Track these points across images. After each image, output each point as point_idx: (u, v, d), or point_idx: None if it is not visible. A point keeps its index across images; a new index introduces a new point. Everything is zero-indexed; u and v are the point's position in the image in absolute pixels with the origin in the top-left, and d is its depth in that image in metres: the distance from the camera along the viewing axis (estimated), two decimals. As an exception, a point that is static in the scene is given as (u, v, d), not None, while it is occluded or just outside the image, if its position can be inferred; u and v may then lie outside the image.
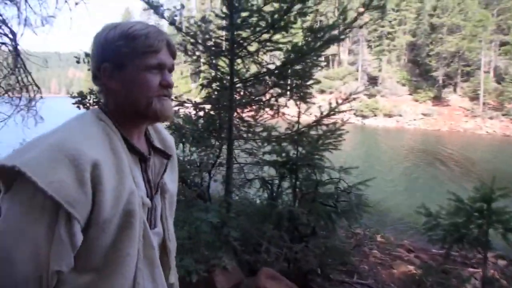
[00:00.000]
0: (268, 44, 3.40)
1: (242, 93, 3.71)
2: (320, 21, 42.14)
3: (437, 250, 5.92)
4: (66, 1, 6.06)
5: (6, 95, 6.33)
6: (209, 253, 2.75)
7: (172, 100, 3.42)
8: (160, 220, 0.99)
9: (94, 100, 3.95)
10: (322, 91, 43.27)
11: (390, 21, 48.17)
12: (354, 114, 41.92)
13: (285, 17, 3.05)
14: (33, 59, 6.42)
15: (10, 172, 0.69)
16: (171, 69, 0.89)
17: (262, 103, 3.75)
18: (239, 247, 3.01)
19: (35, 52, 6.53)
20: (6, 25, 6.00)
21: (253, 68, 3.66)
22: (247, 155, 4.64)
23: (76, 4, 6.18)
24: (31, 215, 0.70)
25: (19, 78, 6.36)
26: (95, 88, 0.92)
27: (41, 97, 6.86)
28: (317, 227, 3.89)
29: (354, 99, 3.44)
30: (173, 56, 0.90)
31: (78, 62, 3.90)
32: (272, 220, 3.90)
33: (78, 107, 4.02)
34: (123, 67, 0.83)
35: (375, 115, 41.28)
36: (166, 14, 3.21)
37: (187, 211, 2.95)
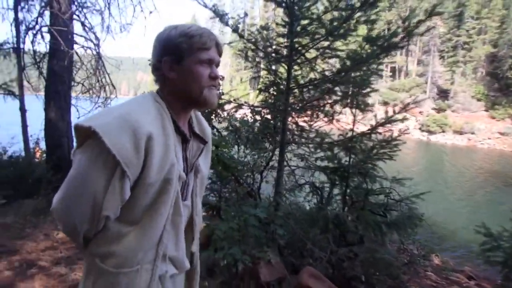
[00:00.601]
0: (327, 51, 3.48)
1: (297, 98, 3.82)
2: (388, 29, 40.46)
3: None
4: (142, 10, 6.75)
5: (87, 93, 7.23)
6: (255, 246, 2.90)
7: (230, 102, 3.66)
8: (191, 196, 1.14)
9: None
10: (385, 103, 41.29)
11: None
12: (420, 128, 39.47)
13: (344, 25, 3.11)
14: (111, 62, 7.24)
15: (86, 132, 0.86)
16: (217, 65, 1.05)
17: (317, 108, 3.82)
18: (284, 245, 3.10)
19: (113, 56, 7.35)
20: (92, 32, 6.86)
21: (311, 75, 3.75)
22: (299, 160, 4.74)
23: (151, 12, 6.86)
24: (96, 166, 0.88)
25: (99, 78, 7.21)
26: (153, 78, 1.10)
27: (116, 97, 7.69)
28: (365, 237, 3.84)
29: (411, 108, 3.35)
30: (220, 54, 1.06)
31: (150, 65, 4.31)
32: (319, 224, 3.94)
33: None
34: (181, 60, 1.00)
35: (443, 131, 38.33)
36: (230, 22, 3.47)
37: (238, 206, 3.13)
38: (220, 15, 3.40)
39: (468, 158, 27.38)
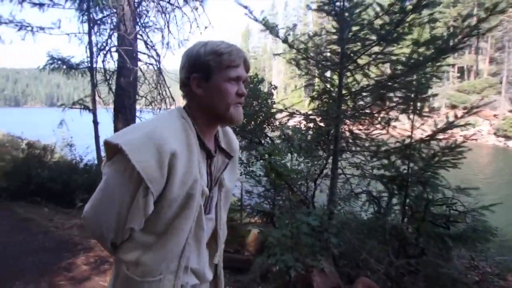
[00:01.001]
0: (379, 56, 3.39)
1: (350, 105, 3.75)
2: (448, 29, 37.67)
3: None
4: (197, 26, 7.14)
5: (150, 105, 7.81)
6: (308, 254, 2.89)
7: (282, 111, 3.72)
8: (215, 209, 1.16)
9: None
10: (453, 106, 38.21)
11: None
12: (495, 133, 35.88)
13: (397, 29, 3.01)
14: (170, 76, 7.76)
15: (114, 148, 0.90)
16: (245, 81, 1.07)
17: (371, 116, 3.71)
18: (338, 254, 3.04)
19: (172, 70, 7.86)
20: (154, 49, 7.43)
21: (363, 81, 3.67)
22: (354, 168, 4.61)
23: (206, 27, 7.22)
24: (121, 181, 0.93)
25: (160, 92, 7.75)
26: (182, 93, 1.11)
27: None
28: (427, 250, 3.61)
29: (475, 112, 3.10)
30: (247, 70, 1.08)
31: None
32: (376, 235, 3.79)
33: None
34: (209, 78, 1.01)
35: (525, 136, 34.32)
36: (281, 33, 3.53)
37: (291, 213, 3.15)
38: (270, 28, 3.48)
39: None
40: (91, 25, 7.76)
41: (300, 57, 3.92)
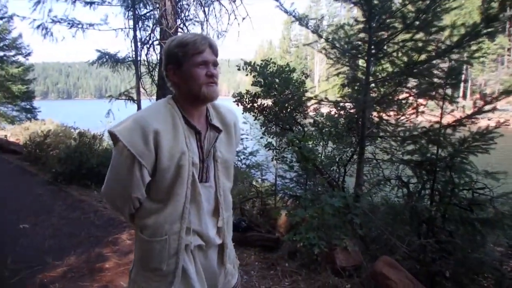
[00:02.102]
0: (407, 44, 3.43)
1: (377, 92, 3.82)
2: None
3: None
4: (235, 18, 7.37)
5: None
6: (332, 233, 3.09)
7: (311, 99, 3.90)
8: (214, 178, 1.30)
9: (249, 99, 4.78)
10: (508, 92, 35.26)
11: None
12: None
13: (423, 16, 3.05)
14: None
15: (113, 135, 1.12)
16: (215, 63, 1.22)
17: (398, 102, 3.77)
18: (362, 234, 3.21)
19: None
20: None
21: (390, 68, 3.72)
22: (385, 154, 4.67)
23: (243, 19, 7.42)
24: (121, 160, 1.14)
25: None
26: (168, 85, 1.27)
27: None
28: (456, 234, 3.65)
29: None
30: (216, 54, 1.22)
31: (238, 69, 4.78)
32: (404, 218, 3.89)
33: (237, 104, 4.93)
34: (181, 66, 1.19)
35: None
36: (310, 24, 3.67)
37: (316, 195, 3.35)
38: (299, 19, 3.64)
39: None
40: (136, 20, 8.28)
41: (329, 46, 4.04)
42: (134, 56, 8.48)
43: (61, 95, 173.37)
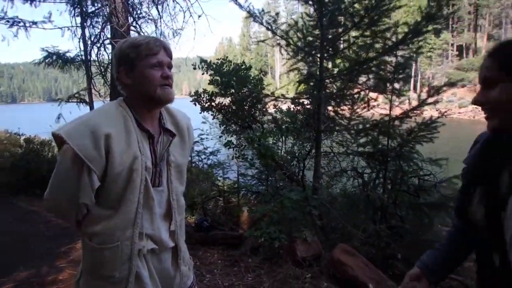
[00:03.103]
0: (356, 41, 3.59)
1: (331, 88, 3.96)
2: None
3: None
4: (191, 15, 7.25)
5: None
6: (292, 226, 3.17)
7: (269, 96, 3.95)
8: (166, 182, 1.27)
9: (207, 98, 4.75)
10: (452, 84, 38.06)
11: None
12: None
13: (371, 14, 3.21)
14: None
15: (58, 138, 1.05)
16: (169, 66, 1.19)
17: (350, 96, 3.94)
18: (320, 225, 3.32)
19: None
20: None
21: (341, 65, 3.88)
22: (341, 147, 4.86)
23: (199, 16, 7.32)
24: (68, 165, 1.07)
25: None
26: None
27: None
28: (406, 218, 3.90)
29: (444, 91, 3.33)
30: (170, 56, 1.20)
31: (194, 68, 4.73)
32: (359, 207, 4.09)
33: (195, 104, 4.88)
34: (133, 67, 1.15)
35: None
36: (265, 20, 3.72)
37: (275, 191, 3.42)
38: (254, 16, 3.67)
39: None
40: (84, 18, 7.87)
41: (285, 43, 4.12)
42: (83, 55, 8.07)
43: (4, 99, 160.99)
